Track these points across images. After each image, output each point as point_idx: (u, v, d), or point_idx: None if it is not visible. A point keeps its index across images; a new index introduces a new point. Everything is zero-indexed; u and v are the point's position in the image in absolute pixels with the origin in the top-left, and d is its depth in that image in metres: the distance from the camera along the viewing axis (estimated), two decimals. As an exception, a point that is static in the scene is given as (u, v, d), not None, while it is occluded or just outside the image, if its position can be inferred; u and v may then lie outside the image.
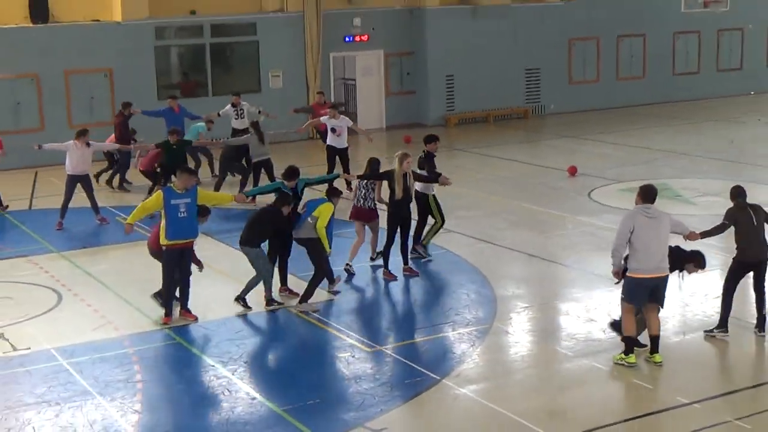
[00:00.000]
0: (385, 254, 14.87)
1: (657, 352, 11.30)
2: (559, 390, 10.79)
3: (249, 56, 28.09)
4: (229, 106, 23.36)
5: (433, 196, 15.67)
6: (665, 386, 10.74)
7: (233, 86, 27.27)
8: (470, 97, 30.35)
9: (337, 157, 20.85)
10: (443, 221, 15.72)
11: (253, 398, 10.70)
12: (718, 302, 12.34)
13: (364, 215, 15.09)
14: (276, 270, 13.94)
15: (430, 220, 15.71)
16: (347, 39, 29.43)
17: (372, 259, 15.37)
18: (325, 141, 21.43)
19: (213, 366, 11.59)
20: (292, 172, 14.35)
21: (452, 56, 30.14)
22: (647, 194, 11.28)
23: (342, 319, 13.21)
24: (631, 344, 11.31)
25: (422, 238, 15.74)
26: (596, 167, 22.40)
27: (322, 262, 13.55)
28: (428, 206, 15.65)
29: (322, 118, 21.35)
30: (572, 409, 10.25)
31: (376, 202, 15.04)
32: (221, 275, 15.24)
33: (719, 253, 14.44)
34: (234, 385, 11.04)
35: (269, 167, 20.00)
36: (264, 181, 19.71)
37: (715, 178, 19.76)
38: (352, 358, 11.84)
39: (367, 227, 15.20)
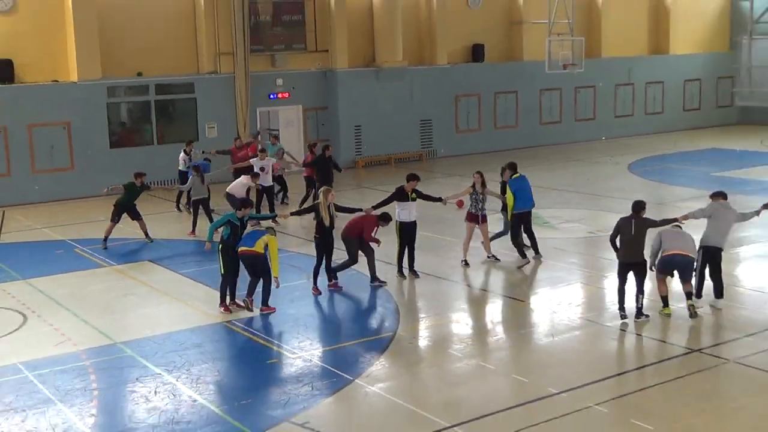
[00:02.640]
0: (315, 273, 14.86)
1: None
2: (453, 385, 10.82)
3: (188, 111, 27.80)
4: (183, 152, 23.04)
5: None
6: (538, 379, 10.84)
7: (175, 137, 27.13)
8: (375, 144, 30.53)
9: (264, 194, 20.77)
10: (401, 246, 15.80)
11: (195, 400, 10.51)
12: (580, 309, 12.51)
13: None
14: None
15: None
16: (272, 96, 29.34)
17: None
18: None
19: (160, 374, 11.37)
20: (244, 203, 14.37)
21: (359, 110, 30.30)
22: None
23: (270, 330, 13.10)
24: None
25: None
26: (479, 200, 22.56)
27: (267, 275, 13.64)
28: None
29: (252, 160, 21.23)
30: (464, 400, 10.29)
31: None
32: (166, 296, 15.01)
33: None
34: (178, 390, 10.84)
35: (206, 205, 19.82)
36: (201, 216, 19.54)
37: (575, 208, 20.15)
38: (279, 363, 11.74)
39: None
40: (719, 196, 13.65)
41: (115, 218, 18.69)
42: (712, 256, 13.24)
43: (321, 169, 21.30)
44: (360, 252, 15.11)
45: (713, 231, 13.27)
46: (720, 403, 10.03)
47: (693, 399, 10.21)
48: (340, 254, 15.61)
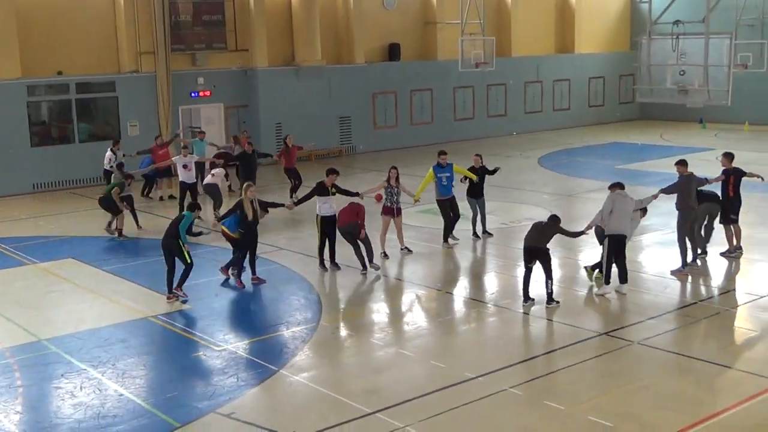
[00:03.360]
0: (239, 266, 14.72)
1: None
2: (374, 373, 10.85)
3: (110, 109, 27.20)
4: (109, 151, 22.50)
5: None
6: (456, 365, 10.95)
7: (97, 135, 26.55)
8: (295, 140, 30.12)
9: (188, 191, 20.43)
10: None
11: (121, 395, 10.32)
12: (495, 297, 12.67)
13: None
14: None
15: None
16: (193, 94, 28.94)
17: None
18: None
19: (85, 369, 11.13)
20: (193, 206, 14.52)
21: (280, 107, 30.09)
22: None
23: (195, 324, 12.93)
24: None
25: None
26: (397, 194, 22.63)
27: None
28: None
29: (174, 158, 20.89)
30: (385, 387, 10.33)
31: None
32: (91, 293, 14.69)
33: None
34: (104, 385, 10.63)
35: (130, 202, 19.44)
36: (126, 214, 19.21)
37: (487, 200, 20.35)
38: (204, 356, 11.60)
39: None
40: (616, 186, 14.01)
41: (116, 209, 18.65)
42: (617, 243, 13.58)
43: (244, 165, 21.08)
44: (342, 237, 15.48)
45: (616, 220, 13.61)
46: (626, 382, 10.29)
47: (601, 379, 10.45)
48: (263, 247, 15.52)
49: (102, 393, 10.37)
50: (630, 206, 13.83)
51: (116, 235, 18.73)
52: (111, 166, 21.53)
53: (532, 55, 37.61)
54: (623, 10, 41.21)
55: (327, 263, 15.69)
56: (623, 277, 13.67)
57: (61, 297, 14.53)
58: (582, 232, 13.93)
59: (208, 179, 20.26)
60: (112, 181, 19.74)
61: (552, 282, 13.15)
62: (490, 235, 17.90)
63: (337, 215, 15.55)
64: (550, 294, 13.06)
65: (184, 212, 14.27)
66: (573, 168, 27.77)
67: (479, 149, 30.61)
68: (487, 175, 17.84)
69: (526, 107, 37.73)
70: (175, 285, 13.83)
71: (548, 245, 13.17)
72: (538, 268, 13.13)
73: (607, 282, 13.66)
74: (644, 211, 14.69)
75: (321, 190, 15.77)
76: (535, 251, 13.13)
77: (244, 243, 14.69)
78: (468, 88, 35.39)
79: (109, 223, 18.93)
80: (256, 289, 14.64)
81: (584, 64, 39.35)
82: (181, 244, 13.72)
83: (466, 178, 17.62)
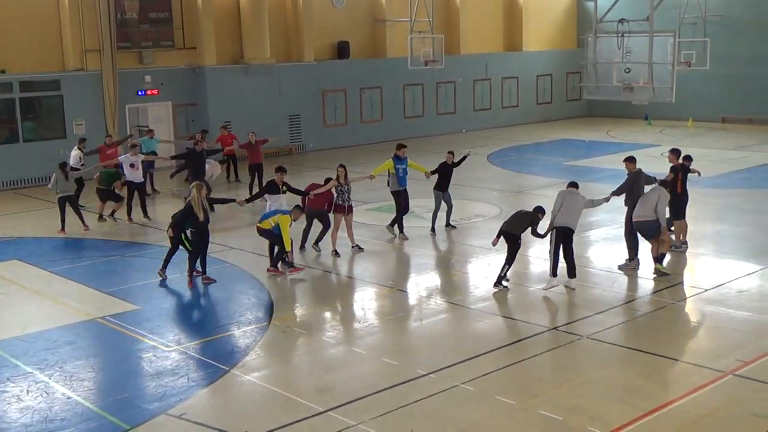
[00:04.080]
0: (190, 266, 14.55)
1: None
2: (326, 371, 10.82)
3: (54, 108, 26.70)
4: (76, 149, 22.03)
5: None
6: (408, 362, 10.97)
7: (42, 134, 26.08)
8: (244, 139, 30.02)
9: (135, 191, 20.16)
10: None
11: (69, 398, 10.15)
12: (446, 294, 12.73)
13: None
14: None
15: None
16: (140, 93, 28.57)
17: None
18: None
19: (31, 373, 10.92)
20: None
21: (229, 106, 29.82)
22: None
23: (144, 325, 12.75)
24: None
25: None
26: (348, 192, 22.61)
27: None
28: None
29: (120, 157, 20.57)
30: (337, 385, 10.31)
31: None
32: (37, 294, 14.43)
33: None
34: (51, 388, 10.44)
35: (73, 201, 19.13)
36: (69, 212, 18.89)
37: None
38: (154, 357, 11.45)
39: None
40: (571, 185, 14.23)
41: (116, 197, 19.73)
42: (564, 235, 13.72)
43: (192, 164, 20.77)
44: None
45: (563, 213, 13.79)
46: (576, 376, 10.41)
47: (551, 374, 10.56)
48: (213, 247, 15.41)
49: (49, 396, 10.19)
50: (579, 204, 14.00)
51: (113, 220, 19.76)
52: (82, 165, 21.24)
53: (481, 53, 37.86)
54: (570, 8, 41.68)
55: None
56: (572, 272, 13.82)
57: (6, 299, 14.24)
58: (544, 235, 14.10)
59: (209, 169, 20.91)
60: (71, 179, 19.34)
61: (509, 268, 13.65)
62: (453, 227, 18.25)
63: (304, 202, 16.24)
64: (502, 277, 13.56)
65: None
66: (522, 165, 28.02)
67: (429, 147, 30.74)
68: (454, 168, 18.28)
69: (475, 105, 37.95)
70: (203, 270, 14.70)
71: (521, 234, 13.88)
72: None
73: (554, 274, 13.81)
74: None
75: (272, 188, 15.69)
76: (507, 236, 13.74)
77: (196, 243, 14.53)
78: (417, 85, 35.48)
79: (112, 212, 19.85)
80: (206, 289, 14.51)
81: (532, 61, 39.72)
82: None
83: (434, 171, 18.06)
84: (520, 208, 14.71)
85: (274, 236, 14.96)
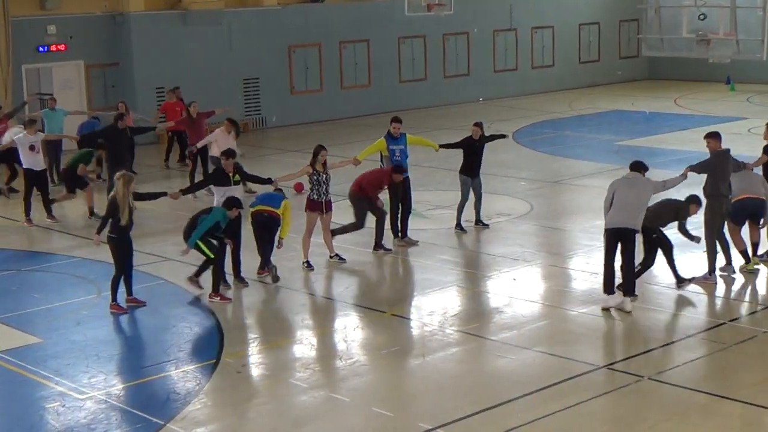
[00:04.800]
0: (113, 286, 14.47)
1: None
2: (294, 425, 10.81)
3: None
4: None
5: None
6: (406, 412, 10.96)
7: None
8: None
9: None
10: None
11: (-54, 463, 10.14)
12: (457, 320, 12.73)
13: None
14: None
15: None
16: (41, 49, 28.64)
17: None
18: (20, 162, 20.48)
19: None
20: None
21: (162, 67, 29.85)
22: None
23: (48, 364, 12.71)
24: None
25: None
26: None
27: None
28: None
29: (14, 138, 20.39)
30: (311, 445, 10.34)
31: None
32: None
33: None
34: None
35: None
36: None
37: (447, 189, 20.44)
38: (62, 408, 11.42)
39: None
40: (634, 167, 14.13)
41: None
42: (618, 239, 13.71)
43: (112, 146, 20.64)
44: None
45: (616, 209, 13.70)
46: (635, 431, 10.43)
47: (602, 427, 10.56)
48: (141, 258, 15.39)
49: None
50: (642, 194, 13.84)
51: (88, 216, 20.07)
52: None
53: (504, -6, 37.97)
54: (623, -66, 41.81)
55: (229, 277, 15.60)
56: (630, 289, 13.83)
57: None
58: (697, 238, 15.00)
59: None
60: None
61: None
62: (486, 226, 18.43)
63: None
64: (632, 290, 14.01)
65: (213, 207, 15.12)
66: (559, 145, 28.07)
67: (434, 120, 30.76)
68: (486, 144, 18.39)
69: (496, 64, 38.05)
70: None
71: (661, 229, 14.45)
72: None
73: (609, 291, 13.81)
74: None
75: (219, 177, 15.67)
76: (630, 233, 13.85)
77: (118, 255, 14.38)
78: (418, 38, 35.53)
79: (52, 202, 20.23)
80: (132, 315, 14.49)
81: (573, 5, 39.81)
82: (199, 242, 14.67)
83: (454, 145, 18.31)
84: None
85: (274, 227, 15.47)
